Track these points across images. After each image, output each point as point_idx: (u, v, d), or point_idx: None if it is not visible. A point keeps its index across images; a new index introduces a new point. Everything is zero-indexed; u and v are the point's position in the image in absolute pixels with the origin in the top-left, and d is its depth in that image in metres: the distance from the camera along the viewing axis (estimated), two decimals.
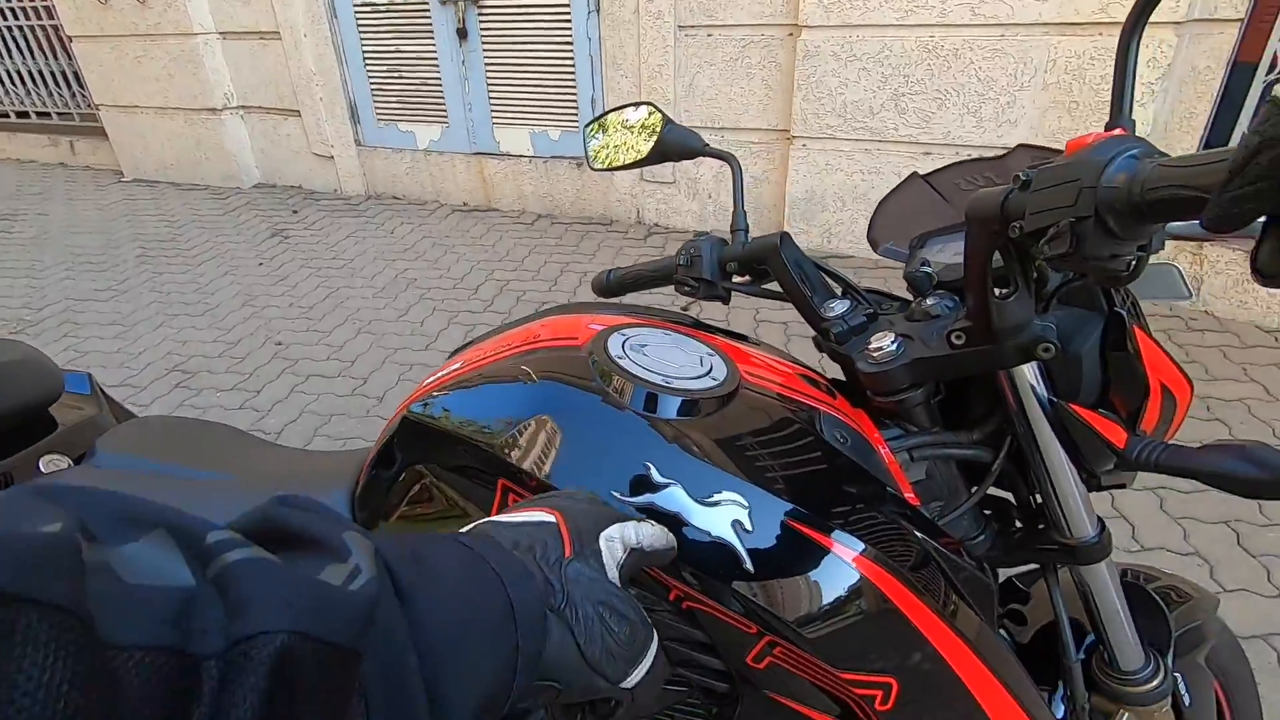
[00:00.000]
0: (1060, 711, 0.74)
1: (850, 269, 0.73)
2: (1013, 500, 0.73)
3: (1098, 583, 0.67)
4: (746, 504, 0.50)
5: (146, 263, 3.69)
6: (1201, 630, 0.80)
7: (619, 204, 3.86)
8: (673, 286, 0.85)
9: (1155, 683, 0.69)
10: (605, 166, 0.96)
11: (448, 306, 3.09)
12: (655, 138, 0.90)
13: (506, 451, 0.53)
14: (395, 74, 4.08)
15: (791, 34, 3.11)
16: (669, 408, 0.54)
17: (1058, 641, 0.70)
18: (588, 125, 0.97)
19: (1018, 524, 0.72)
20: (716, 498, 0.50)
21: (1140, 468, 0.57)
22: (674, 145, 0.89)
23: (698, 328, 0.74)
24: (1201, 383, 2.31)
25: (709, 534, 0.49)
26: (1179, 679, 0.76)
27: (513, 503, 0.55)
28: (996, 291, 0.54)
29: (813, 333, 0.72)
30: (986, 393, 0.67)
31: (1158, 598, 0.72)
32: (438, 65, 3.93)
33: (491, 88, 3.90)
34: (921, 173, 0.79)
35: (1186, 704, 0.77)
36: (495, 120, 3.98)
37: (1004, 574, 0.82)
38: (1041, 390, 0.60)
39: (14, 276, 3.59)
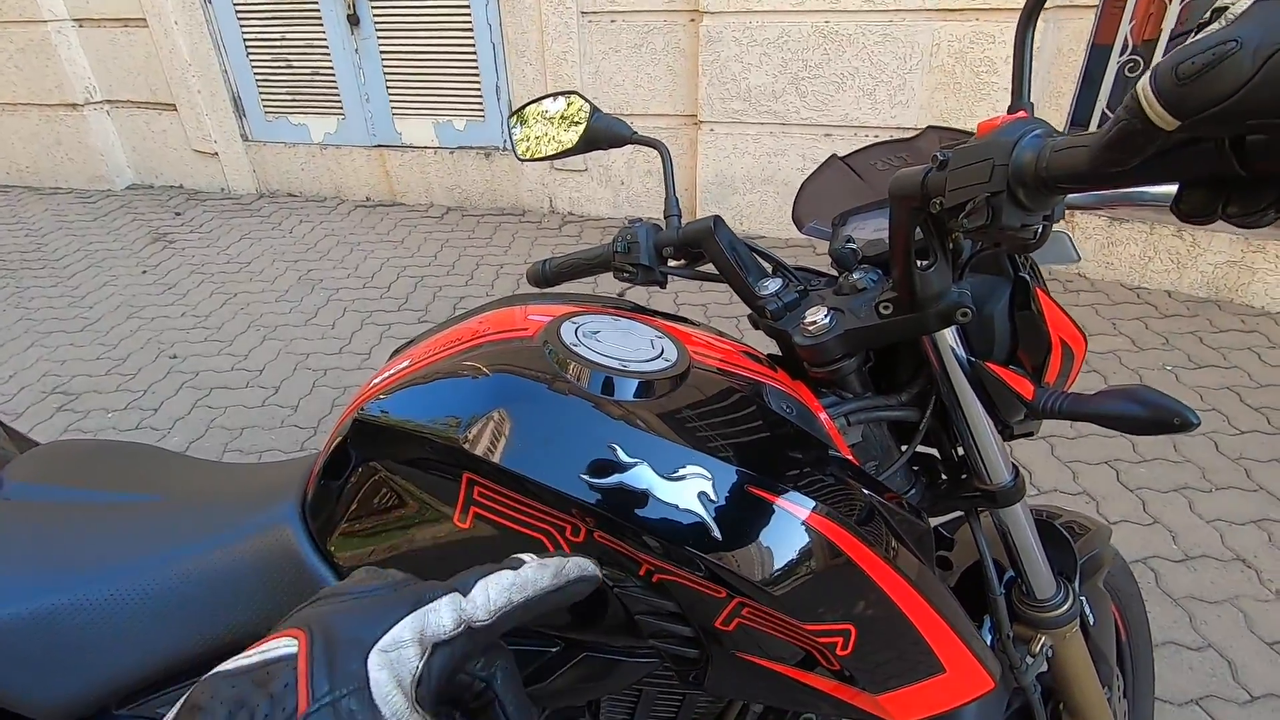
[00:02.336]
0: (988, 641, 0.82)
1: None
2: (937, 455, 0.79)
3: (1015, 523, 0.74)
4: (709, 475, 0.52)
5: (7, 277, 3.34)
6: (1099, 557, 0.90)
7: (530, 194, 3.82)
8: (611, 273, 0.87)
9: (1066, 607, 0.77)
10: (531, 157, 0.96)
11: (359, 307, 2.98)
12: (583, 127, 0.91)
13: (468, 444, 0.53)
14: (282, 63, 3.85)
15: (693, 19, 3.16)
16: (627, 390, 0.56)
17: (982, 580, 0.77)
18: (510, 116, 0.97)
19: (943, 476, 0.78)
20: (681, 472, 0.52)
21: (1046, 416, 0.64)
22: (602, 134, 0.90)
23: (639, 312, 0.76)
24: None
25: (677, 507, 0.51)
26: (1084, 602, 0.85)
27: (478, 495, 0.55)
28: (919, 263, 0.59)
29: (737, 313, 0.76)
30: (912, 357, 0.72)
31: (1064, 531, 0.80)
32: (329, 53, 3.74)
33: (389, 77, 3.74)
34: (840, 155, 0.83)
35: (1092, 624, 0.86)
36: (395, 111, 3.83)
37: (930, 524, 0.89)
38: (960, 351, 0.65)
39: None
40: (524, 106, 0.96)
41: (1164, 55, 0.33)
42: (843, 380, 0.71)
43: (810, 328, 0.68)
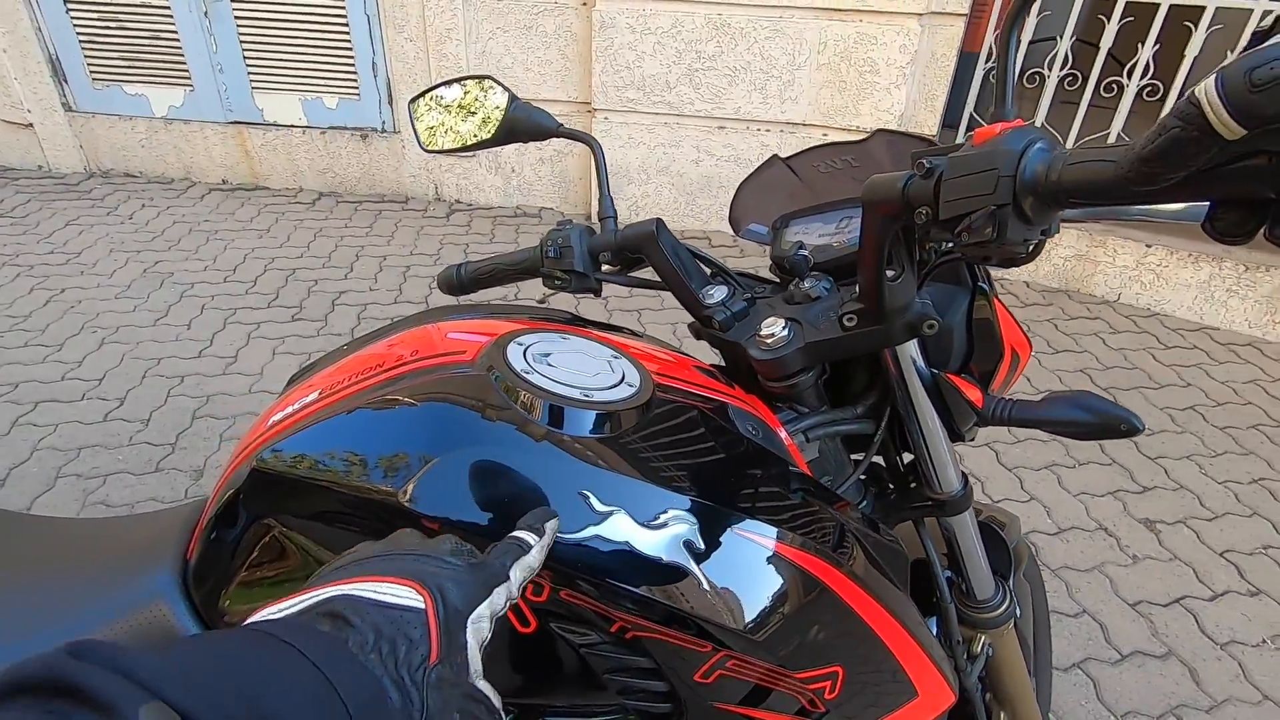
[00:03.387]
0: None
1: None
2: (883, 465, 0.78)
3: (962, 530, 0.74)
4: (694, 520, 0.47)
5: None
6: (1019, 550, 0.94)
7: (414, 180, 3.58)
8: (540, 279, 0.79)
9: (1004, 606, 0.79)
10: (439, 149, 0.86)
11: (221, 303, 2.66)
12: (499, 116, 0.82)
13: (406, 499, 0.44)
14: (113, 22, 3.35)
15: (585, 3, 3.06)
16: (589, 425, 0.49)
17: (928, 584, 0.77)
18: (413, 101, 0.87)
19: (890, 486, 0.77)
20: (662, 518, 0.46)
21: (995, 423, 0.64)
22: (523, 125, 0.82)
23: (581, 325, 0.69)
24: None
25: (661, 559, 0.45)
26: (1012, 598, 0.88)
27: None
28: (888, 273, 0.56)
29: (674, 319, 0.70)
30: (867, 368, 0.70)
31: (999, 530, 0.82)
32: (171, 15, 3.30)
33: (246, 46, 3.36)
34: (781, 155, 0.80)
35: (1018, 615, 0.90)
36: (255, 85, 3.45)
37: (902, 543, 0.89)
38: (921, 362, 0.64)
39: None
40: (432, 89, 0.86)
41: (1233, 60, 0.29)
42: (799, 394, 0.68)
43: (768, 340, 0.64)
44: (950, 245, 0.62)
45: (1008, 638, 0.82)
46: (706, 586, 0.46)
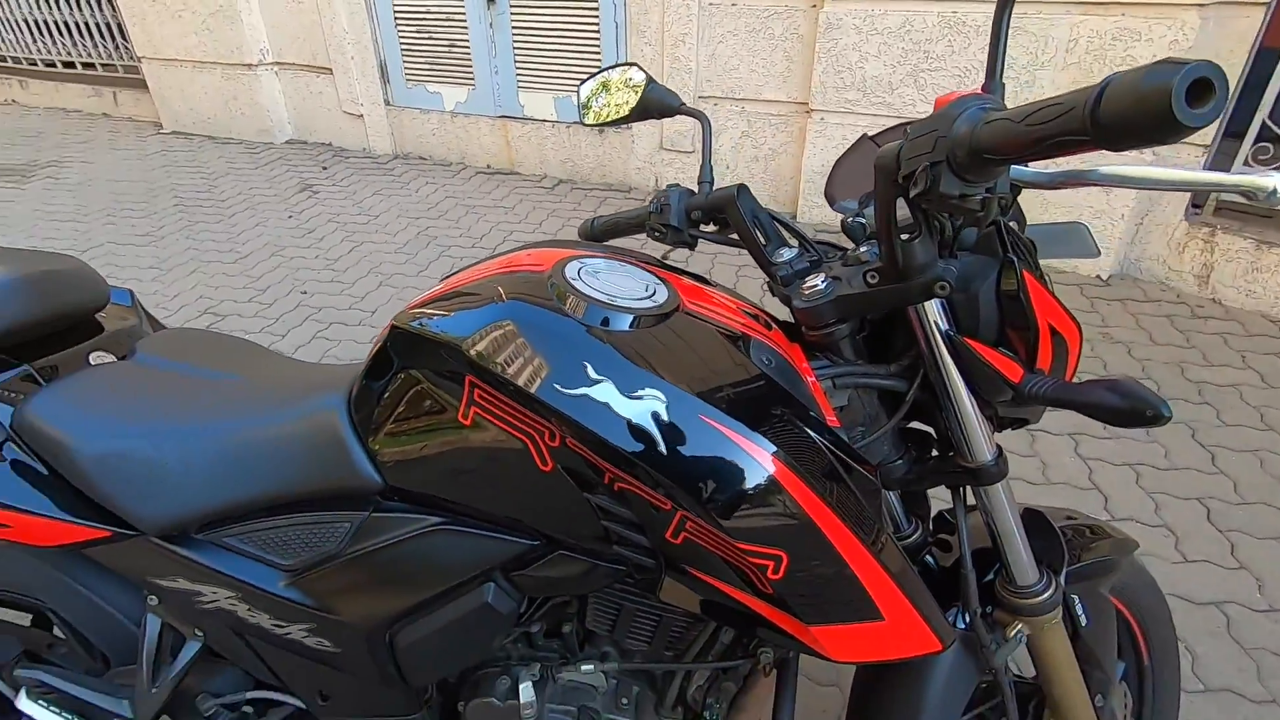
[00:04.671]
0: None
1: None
2: (933, 434, 0.81)
3: (996, 504, 0.76)
4: (664, 399, 0.59)
5: (182, 212, 3.85)
6: (1109, 563, 0.88)
7: (638, 171, 3.92)
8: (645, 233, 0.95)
9: (1045, 595, 0.78)
10: (595, 122, 1.04)
11: (466, 261, 3.20)
12: (638, 95, 0.98)
13: (471, 351, 0.63)
14: (425, 34, 4.16)
15: (815, 5, 3.12)
16: (611, 321, 0.64)
17: (980, 566, 0.79)
18: (583, 83, 1.05)
19: (934, 452, 0.80)
20: (640, 393, 0.59)
21: (1031, 401, 0.66)
22: (654, 103, 0.97)
23: (658, 265, 0.83)
24: (1197, 367, 2.34)
25: (630, 420, 0.59)
26: (1077, 601, 0.84)
27: (477, 397, 0.65)
28: (903, 235, 0.62)
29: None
30: (906, 330, 0.75)
31: (1052, 523, 0.80)
32: (467, 27, 4.00)
33: (518, 51, 3.95)
34: (870, 134, 0.86)
35: (1085, 624, 0.85)
36: (521, 84, 4.05)
37: (937, 508, 0.91)
38: (943, 325, 0.68)
39: (61, 220, 3.78)
40: (596, 74, 1.03)
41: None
42: (835, 345, 0.76)
43: (807, 291, 0.73)
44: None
45: (1051, 633, 0.80)
46: (664, 450, 0.58)
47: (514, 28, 3.89)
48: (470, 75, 4.14)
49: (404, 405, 0.71)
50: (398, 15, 4.18)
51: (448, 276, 0.85)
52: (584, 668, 0.81)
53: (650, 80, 0.98)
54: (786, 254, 0.81)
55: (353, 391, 0.78)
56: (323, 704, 0.83)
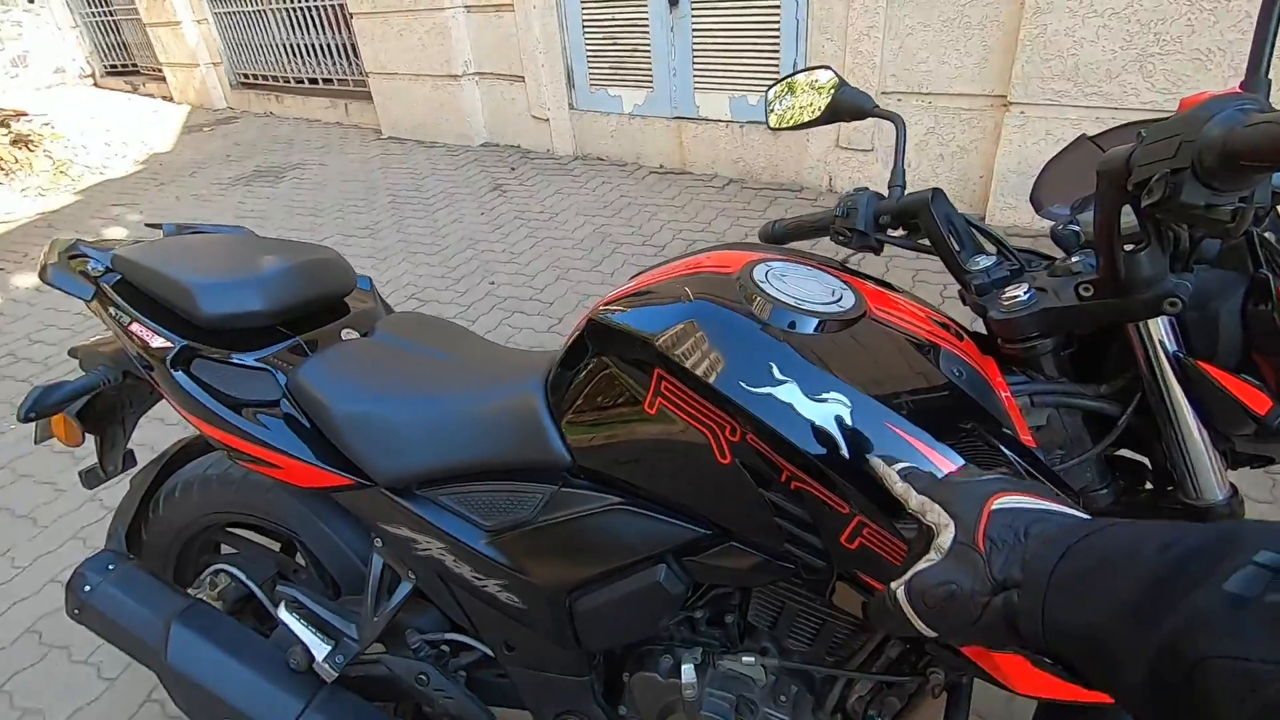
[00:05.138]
0: None
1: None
2: (1148, 465, 0.74)
3: None
4: (849, 404, 0.60)
5: (395, 208, 4.36)
6: None
7: (811, 170, 3.84)
8: (829, 237, 0.94)
9: None
10: (781, 126, 1.05)
11: (637, 261, 3.33)
12: (829, 98, 0.97)
13: (663, 348, 0.68)
14: (609, 40, 4.36)
15: None
16: (798, 324, 0.65)
17: None
18: (771, 87, 1.06)
19: (1147, 485, 0.73)
20: (825, 396, 0.61)
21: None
22: (846, 106, 0.96)
23: (843, 270, 0.83)
24: None
25: (814, 423, 0.60)
26: None
27: (664, 389, 0.70)
28: (1126, 246, 0.58)
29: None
30: (1122, 349, 0.69)
31: None
32: (649, 31, 4.14)
33: (696, 53, 4.02)
34: (1090, 134, 0.79)
35: None
36: (697, 85, 4.12)
37: None
38: (1170, 345, 0.62)
39: (303, 214, 4.44)
40: (787, 77, 1.04)
41: None
42: (1035, 360, 0.71)
43: (1006, 302, 0.70)
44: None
45: None
46: (846, 454, 0.59)
47: (694, 30, 3.96)
48: (649, 78, 4.28)
49: (595, 392, 0.78)
50: (585, 23, 4.42)
51: (637, 275, 0.91)
52: (744, 659, 0.83)
53: (842, 82, 0.97)
54: (983, 262, 0.77)
55: (549, 376, 0.86)
56: (507, 653, 0.93)
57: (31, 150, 5.56)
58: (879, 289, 0.79)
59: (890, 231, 0.89)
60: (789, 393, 0.61)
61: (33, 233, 4.63)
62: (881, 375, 0.63)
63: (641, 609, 0.81)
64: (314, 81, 6.72)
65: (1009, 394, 0.70)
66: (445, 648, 1.01)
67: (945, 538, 0.45)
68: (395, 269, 3.53)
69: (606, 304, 0.81)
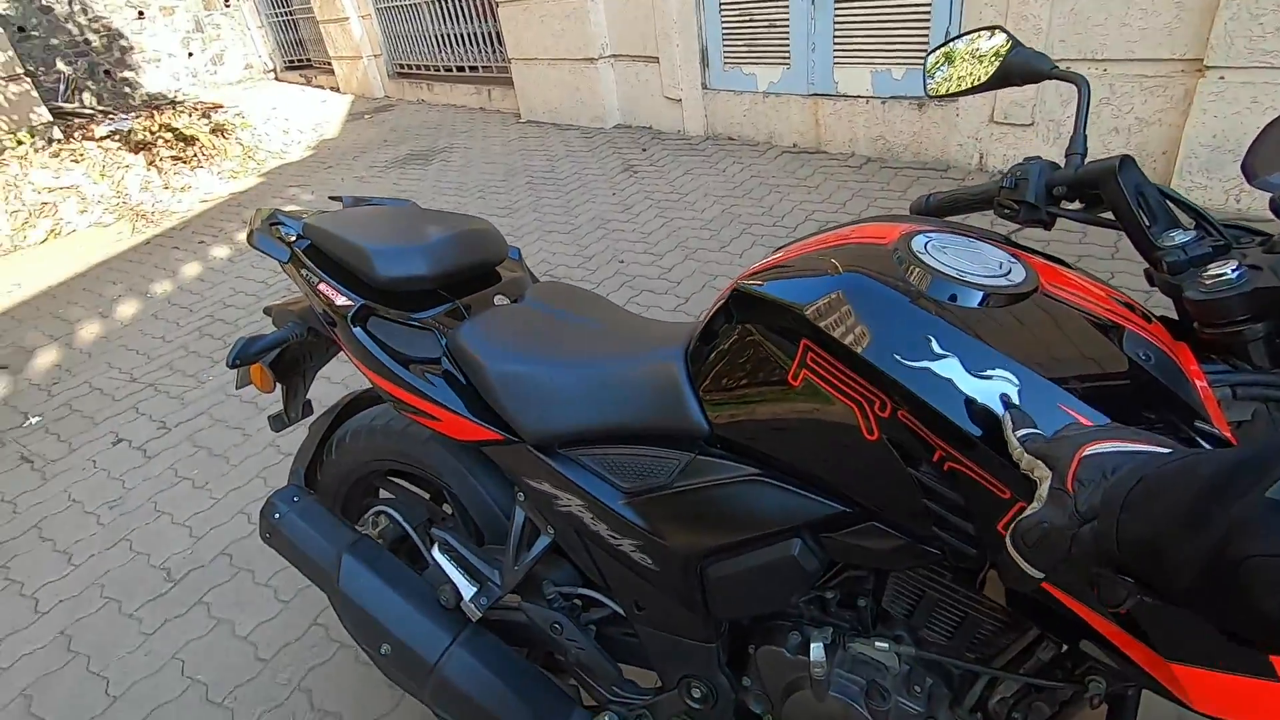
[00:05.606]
0: None
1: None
2: None
3: None
4: (1017, 382, 0.56)
5: (531, 189, 4.55)
6: None
7: (960, 148, 3.58)
8: (992, 210, 0.88)
9: None
10: (941, 94, 0.99)
11: (766, 242, 3.28)
12: (998, 61, 0.91)
13: (810, 315, 0.67)
14: (746, 17, 4.27)
15: None
16: (960, 297, 0.62)
17: None
18: (932, 52, 1.00)
19: None
20: (989, 373, 0.57)
21: None
22: (1018, 68, 0.89)
23: (1011, 244, 0.77)
24: None
25: (977, 400, 0.57)
26: None
27: (810, 360, 0.69)
28: None
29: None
30: None
31: None
32: (787, 5, 4.01)
33: (838, 25, 3.86)
34: None
35: None
36: (837, 60, 3.95)
37: None
38: None
39: (449, 195, 4.74)
40: (950, 41, 0.97)
41: None
42: (1241, 347, 0.64)
43: (1208, 281, 0.63)
44: None
45: None
46: (1012, 435, 0.55)
47: (836, 1, 3.79)
48: (785, 54, 4.16)
49: (736, 361, 0.78)
50: (723, 1, 4.35)
51: (783, 246, 0.90)
52: (878, 644, 0.81)
53: (1016, 43, 0.90)
54: (1179, 236, 0.70)
55: (690, 345, 0.87)
56: (638, 612, 0.96)
57: (226, 138, 6.31)
58: (1051, 265, 0.73)
59: (1065, 204, 0.82)
60: (949, 367, 0.58)
61: (227, 210, 5.26)
62: (1055, 353, 0.58)
63: (773, 582, 0.81)
64: (460, 69, 7.11)
65: (1205, 383, 0.63)
66: (578, 601, 1.06)
67: (1044, 487, 0.49)
68: (530, 247, 3.69)
69: (752, 273, 0.80)
